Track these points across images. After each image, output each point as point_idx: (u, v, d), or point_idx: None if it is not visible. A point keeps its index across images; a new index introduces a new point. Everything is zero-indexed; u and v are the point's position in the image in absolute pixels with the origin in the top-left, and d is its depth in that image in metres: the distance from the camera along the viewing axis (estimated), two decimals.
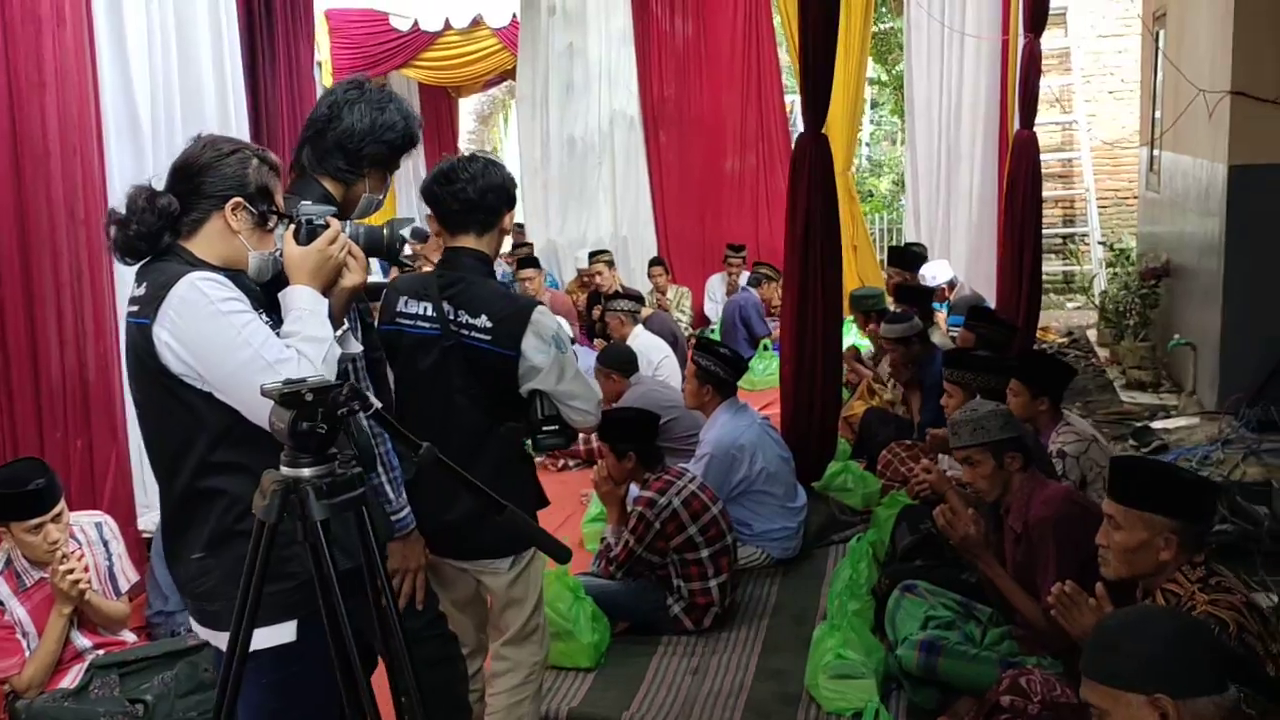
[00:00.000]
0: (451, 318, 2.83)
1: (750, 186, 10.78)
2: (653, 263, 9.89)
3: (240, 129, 5.55)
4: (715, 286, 10.03)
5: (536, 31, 11.28)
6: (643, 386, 5.90)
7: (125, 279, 5.04)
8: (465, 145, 17.52)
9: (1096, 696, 2.09)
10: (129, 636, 3.98)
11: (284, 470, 1.65)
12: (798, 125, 13.95)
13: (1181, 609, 2.64)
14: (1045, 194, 11.33)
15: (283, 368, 1.97)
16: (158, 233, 2.15)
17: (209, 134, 2.30)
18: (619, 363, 5.99)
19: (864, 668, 3.70)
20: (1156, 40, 8.75)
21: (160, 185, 2.22)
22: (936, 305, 8.14)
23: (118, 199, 2.26)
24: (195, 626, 2.30)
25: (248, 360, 2.00)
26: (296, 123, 7.39)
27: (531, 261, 9.22)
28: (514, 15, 12.08)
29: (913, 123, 10.72)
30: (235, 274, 2.17)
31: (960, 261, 10.38)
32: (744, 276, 9.64)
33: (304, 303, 2.16)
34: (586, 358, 6.77)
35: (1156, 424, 6.33)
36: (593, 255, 9.48)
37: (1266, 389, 5.93)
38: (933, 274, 8.28)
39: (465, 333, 2.84)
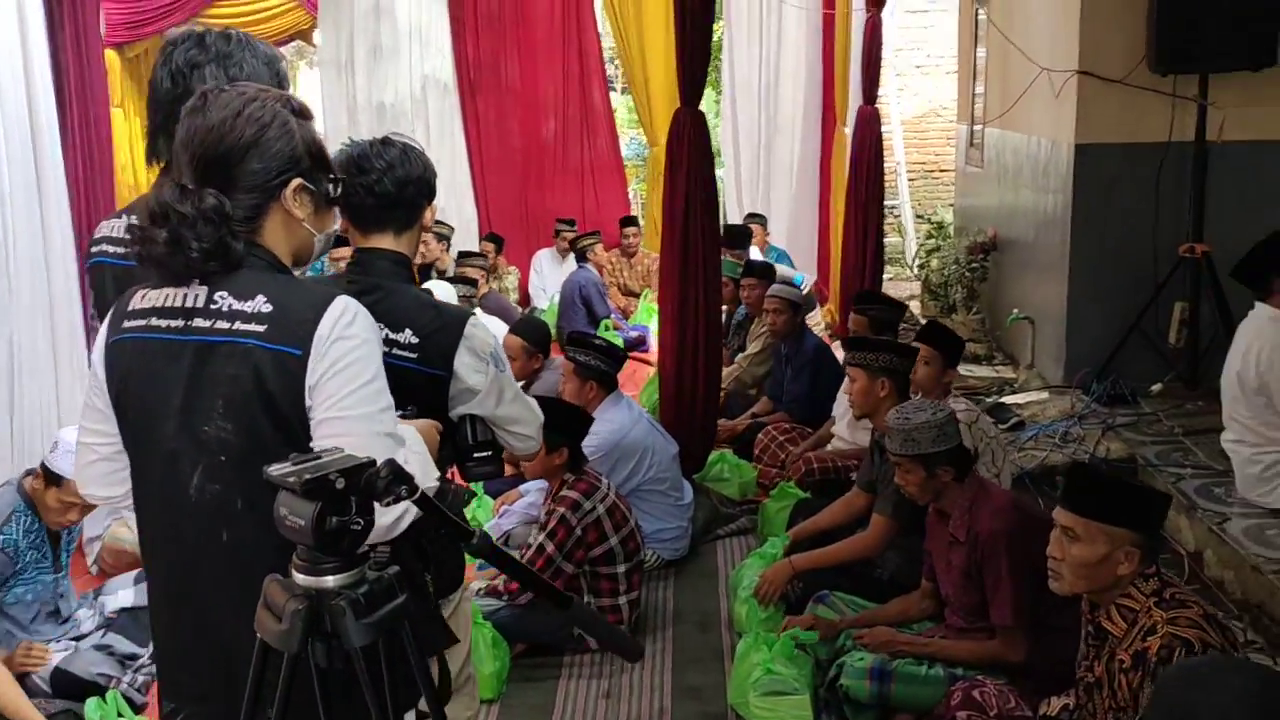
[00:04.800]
0: None
1: (574, 156, 10.43)
2: (486, 239, 9.41)
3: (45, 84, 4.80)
4: (543, 261, 9.63)
5: None
6: (557, 374, 5.24)
7: None
8: None
9: None
10: None
11: (300, 579, 1.21)
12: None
13: (1141, 627, 2.55)
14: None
15: (397, 446, 1.70)
16: (225, 244, 1.75)
17: (225, 88, 1.82)
18: (537, 337, 5.45)
19: (796, 682, 3.49)
20: (976, 17, 8.90)
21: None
22: None
23: None
24: None
25: (373, 415, 1.71)
26: (87, 81, 6.57)
27: (343, 240, 8.57)
28: None
29: (732, 93, 10.61)
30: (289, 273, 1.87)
31: (781, 233, 10.41)
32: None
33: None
34: None
35: (1008, 399, 6.41)
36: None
37: (1112, 363, 6.08)
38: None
39: (386, 349, 2.40)
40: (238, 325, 1.75)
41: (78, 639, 3.69)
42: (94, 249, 2.33)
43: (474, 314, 2.53)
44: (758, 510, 5.02)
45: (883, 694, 3.29)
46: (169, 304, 1.80)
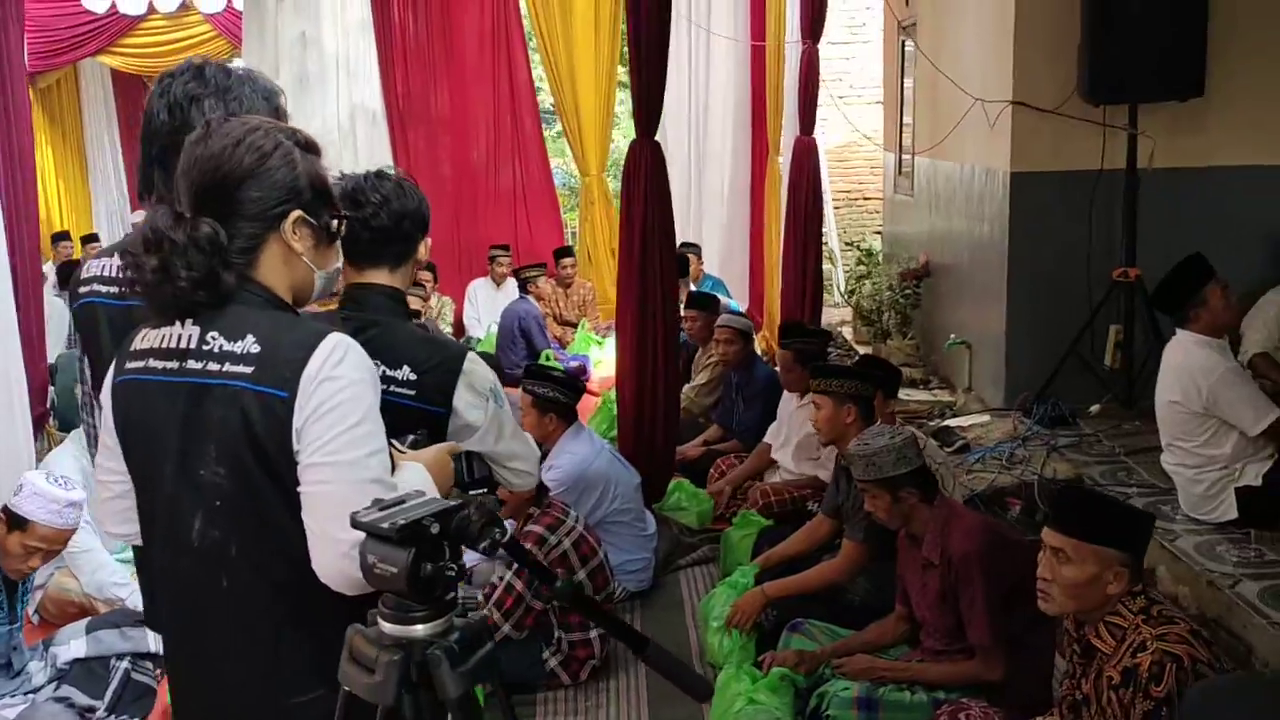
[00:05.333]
0: None
1: (506, 185, 10.41)
2: (424, 267, 9.29)
3: None
4: (478, 291, 9.54)
5: (264, 19, 10.34)
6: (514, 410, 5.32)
7: None
8: None
9: None
10: None
11: (388, 629, 1.16)
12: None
13: (1130, 644, 2.60)
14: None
15: (386, 494, 1.53)
16: (215, 274, 1.68)
17: (229, 118, 1.77)
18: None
19: (779, 712, 3.48)
20: (902, 49, 9.09)
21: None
22: None
23: None
24: None
25: (359, 460, 1.60)
26: (13, 108, 6.37)
27: None
28: (229, 0, 11.11)
29: (662, 123, 10.66)
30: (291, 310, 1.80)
31: (714, 262, 10.47)
32: (510, 283, 9.25)
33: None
34: None
35: (951, 422, 6.51)
36: None
37: (1051, 385, 6.21)
38: None
39: (384, 387, 2.35)
40: (227, 367, 1.72)
41: (31, 693, 3.53)
42: (83, 289, 2.26)
43: (472, 348, 2.50)
44: (718, 539, 5.02)
45: None
46: (165, 345, 1.77)
